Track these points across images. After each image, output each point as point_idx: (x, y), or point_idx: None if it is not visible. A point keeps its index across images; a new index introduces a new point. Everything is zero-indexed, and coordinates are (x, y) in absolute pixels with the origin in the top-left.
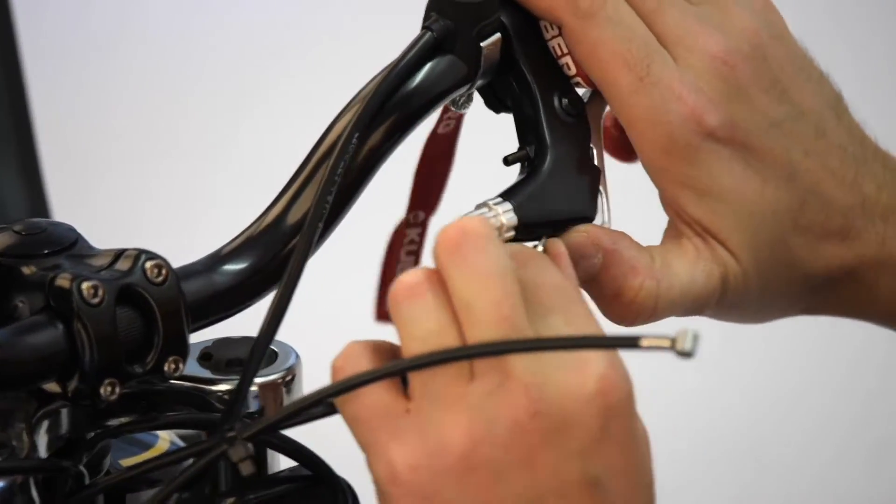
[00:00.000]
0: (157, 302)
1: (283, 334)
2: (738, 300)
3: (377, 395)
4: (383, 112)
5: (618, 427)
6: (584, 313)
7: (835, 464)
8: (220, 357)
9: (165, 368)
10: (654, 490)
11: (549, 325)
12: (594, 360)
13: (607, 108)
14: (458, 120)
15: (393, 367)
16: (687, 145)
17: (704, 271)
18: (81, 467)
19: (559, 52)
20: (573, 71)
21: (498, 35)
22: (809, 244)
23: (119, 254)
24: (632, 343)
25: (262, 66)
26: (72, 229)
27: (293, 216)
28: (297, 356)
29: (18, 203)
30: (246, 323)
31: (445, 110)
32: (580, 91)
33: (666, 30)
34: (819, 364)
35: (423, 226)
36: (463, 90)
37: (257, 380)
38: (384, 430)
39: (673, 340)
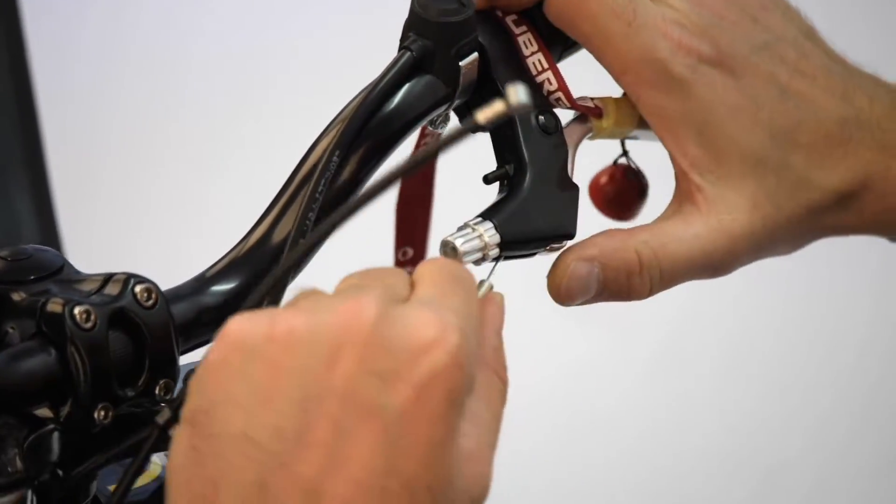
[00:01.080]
0: (148, 326)
1: None
2: (760, 238)
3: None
4: (364, 132)
5: (433, 398)
6: (462, 297)
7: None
8: None
9: (156, 391)
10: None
11: (422, 295)
12: (449, 329)
13: (589, 135)
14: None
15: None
16: (681, 77)
17: (707, 226)
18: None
19: (538, 69)
20: (554, 85)
21: (476, 54)
22: (815, 161)
23: (108, 278)
24: (472, 128)
25: (269, 83)
26: (58, 255)
27: (277, 236)
28: None
29: (30, 228)
30: None
31: (423, 133)
32: (559, 112)
33: None
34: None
35: (413, 263)
36: (441, 110)
37: None
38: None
39: (505, 102)
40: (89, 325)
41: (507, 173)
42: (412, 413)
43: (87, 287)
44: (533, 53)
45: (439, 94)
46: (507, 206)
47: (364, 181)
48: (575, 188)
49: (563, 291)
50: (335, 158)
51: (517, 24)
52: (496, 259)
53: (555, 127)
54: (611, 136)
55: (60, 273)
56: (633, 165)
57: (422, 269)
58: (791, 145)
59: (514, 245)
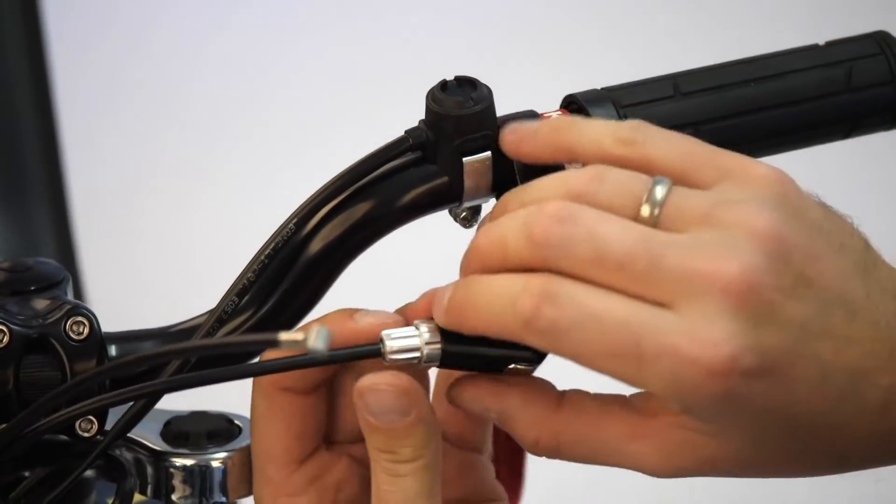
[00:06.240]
0: (70, 358)
1: None
2: None
3: None
4: (350, 207)
5: None
6: None
7: None
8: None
9: (77, 427)
10: None
11: None
12: None
13: None
14: None
15: None
16: (721, 405)
17: None
18: None
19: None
20: None
21: (488, 153)
22: (846, 433)
23: (60, 304)
24: (272, 342)
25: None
26: (60, 268)
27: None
28: None
29: (47, 241)
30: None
31: None
32: None
33: (665, 288)
34: None
35: None
36: (454, 205)
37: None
38: None
39: (305, 337)
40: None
41: None
42: None
43: (39, 307)
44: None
45: (437, 181)
46: None
47: (346, 257)
48: None
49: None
50: (291, 227)
51: None
52: (438, 365)
53: None
54: None
55: (59, 287)
56: None
57: None
58: (820, 426)
59: (458, 356)
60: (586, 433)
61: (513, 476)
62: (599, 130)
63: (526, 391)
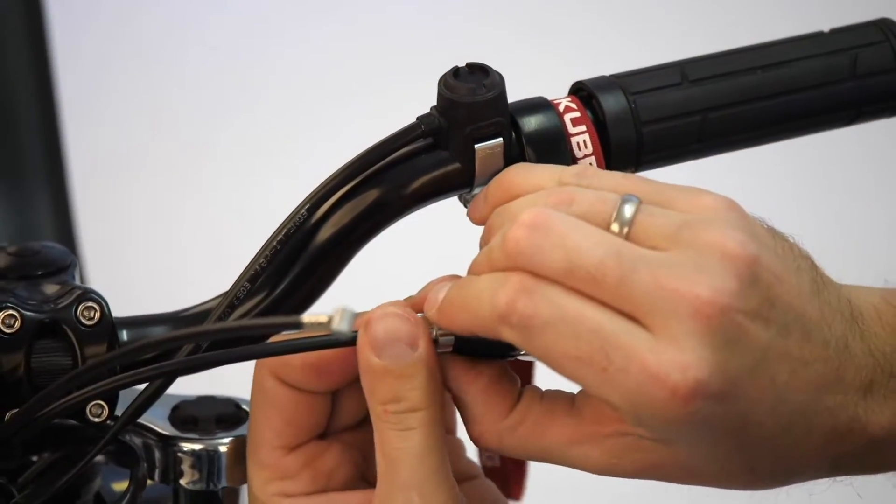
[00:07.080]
0: (81, 342)
1: None
2: None
3: None
4: (361, 194)
5: None
6: None
7: None
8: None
9: (88, 411)
10: None
11: None
12: None
13: None
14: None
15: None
16: (678, 425)
17: None
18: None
19: (581, 151)
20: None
21: (499, 140)
22: (796, 453)
23: (71, 289)
24: (295, 324)
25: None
26: (66, 253)
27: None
28: None
29: (47, 226)
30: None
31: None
32: None
33: (636, 303)
34: None
35: None
36: (463, 191)
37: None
38: None
39: (329, 318)
40: (10, 330)
41: None
42: None
43: (49, 291)
44: (580, 133)
45: (449, 167)
46: None
47: (359, 242)
48: None
49: None
50: (303, 213)
51: None
52: (451, 351)
53: None
54: None
55: (66, 271)
56: None
57: None
58: (771, 450)
59: (470, 342)
60: (527, 439)
61: None
62: (542, 176)
63: (487, 387)
